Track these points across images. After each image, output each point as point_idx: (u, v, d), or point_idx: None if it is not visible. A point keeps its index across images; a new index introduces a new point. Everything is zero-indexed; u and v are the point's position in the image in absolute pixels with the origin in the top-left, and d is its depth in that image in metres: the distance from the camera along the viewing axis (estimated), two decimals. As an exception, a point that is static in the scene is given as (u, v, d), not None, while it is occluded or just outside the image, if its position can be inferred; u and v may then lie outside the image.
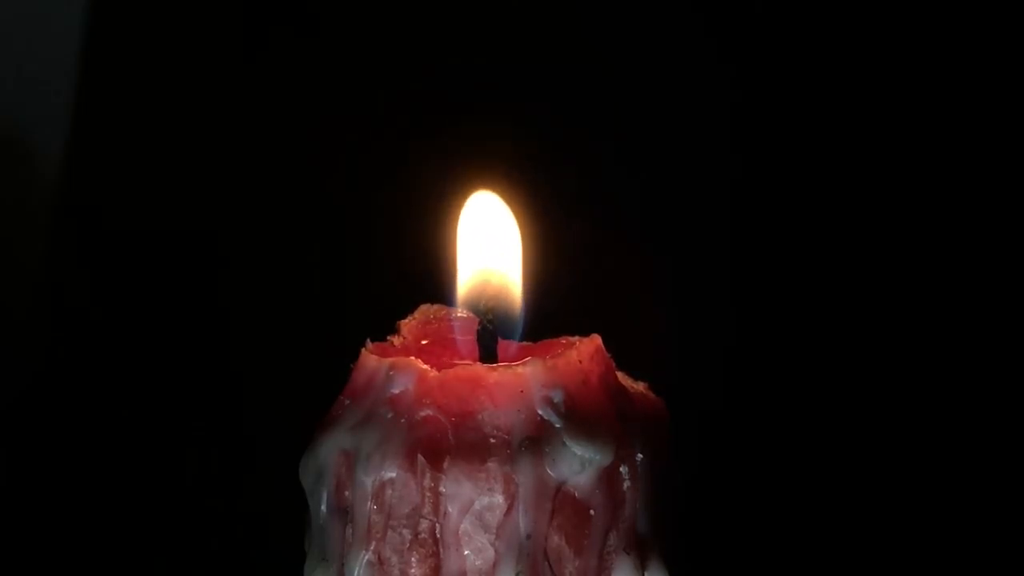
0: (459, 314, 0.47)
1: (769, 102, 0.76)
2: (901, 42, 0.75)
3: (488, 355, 0.45)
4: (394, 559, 0.42)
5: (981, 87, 0.75)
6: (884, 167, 0.75)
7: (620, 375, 0.44)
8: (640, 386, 0.45)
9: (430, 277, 0.50)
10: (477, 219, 0.48)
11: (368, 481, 0.42)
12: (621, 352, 0.44)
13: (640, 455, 0.43)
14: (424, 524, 0.42)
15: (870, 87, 0.75)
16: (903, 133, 0.75)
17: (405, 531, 0.42)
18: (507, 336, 0.46)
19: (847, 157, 0.76)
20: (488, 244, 0.48)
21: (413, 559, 0.42)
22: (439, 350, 0.46)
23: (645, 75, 0.76)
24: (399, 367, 0.43)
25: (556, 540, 0.42)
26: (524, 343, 0.47)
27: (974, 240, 0.75)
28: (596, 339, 0.44)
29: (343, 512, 0.43)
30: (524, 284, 0.47)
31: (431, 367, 0.43)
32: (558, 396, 0.42)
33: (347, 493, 0.43)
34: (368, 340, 0.45)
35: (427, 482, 0.41)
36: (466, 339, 0.46)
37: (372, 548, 0.42)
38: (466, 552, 0.41)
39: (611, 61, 0.76)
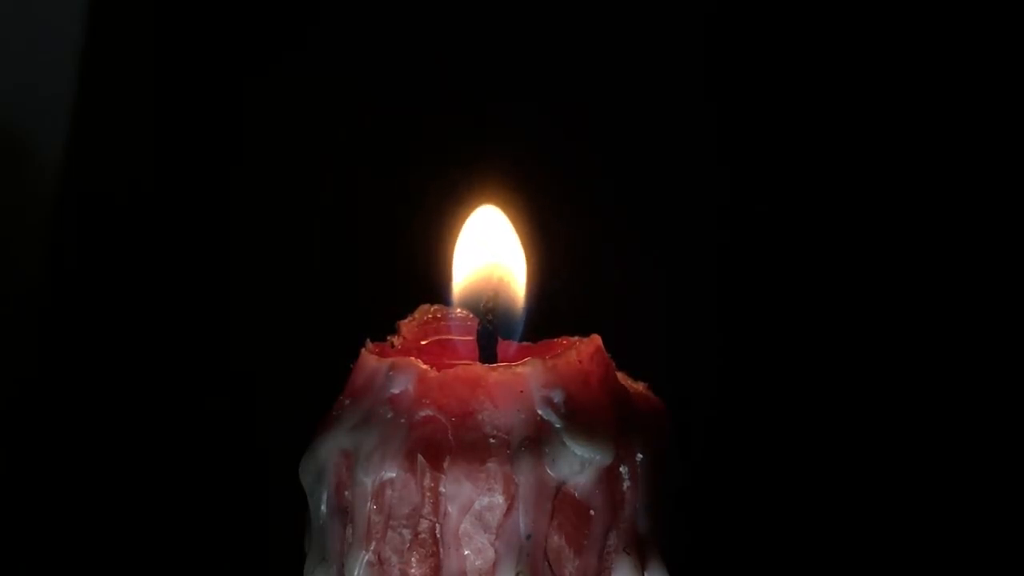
0: (459, 314, 0.47)
1: (765, 106, 0.76)
2: (889, 40, 0.75)
3: (488, 355, 0.45)
4: (394, 559, 0.42)
5: (972, 88, 0.75)
6: (880, 166, 0.75)
7: (620, 375, 0.44)
8: (640, 386, 0.45)
9: (430, 277, 0.50)
10: (479, 223, 0.48)
11: (368, 481, 0.42)
12: (621, 352, 0.44)
13: (640, 455, 0.43)
14: (424, 524, 0.42)
15: (861, 85, 0.75)
16: (895, 131, 0.75)
17: (405, 531, 0.42)
18: (507, 336, 0.46)
19: (843, 156, 0.76)
20: (489, 245, 0.48)
21: (413, 559, 0.42)
22: (439, 350, 0.46)
23: (646, 81, 0.76)
24: (399, 367, 0.43)
25: (556, 540, 0.42)
26: (524, 343, 0.47)
27: (966, 236, 0.75)
28: (596, 339, 0.44)
29: (343, 512, 0.43)
30: (524, 284, 0.47)
31: (431, 367, 0.43)
32: (558, 396, 0.42)
33: (347, 493, 0.43)
34: (368, 340, 0.45)
35: (427, 482, 0.41)
36: (466, 339, 0.46)
37: (372, 548, 0.42)
38: (466, 552, 0.41)
39: (611, 70, 0.76)
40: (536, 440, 0.41)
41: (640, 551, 0.42)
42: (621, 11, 0.76)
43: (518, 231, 0.48)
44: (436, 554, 0.42)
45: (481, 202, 0.48)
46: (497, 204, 0.48)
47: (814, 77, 0.76)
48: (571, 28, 0.76)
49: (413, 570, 0.42)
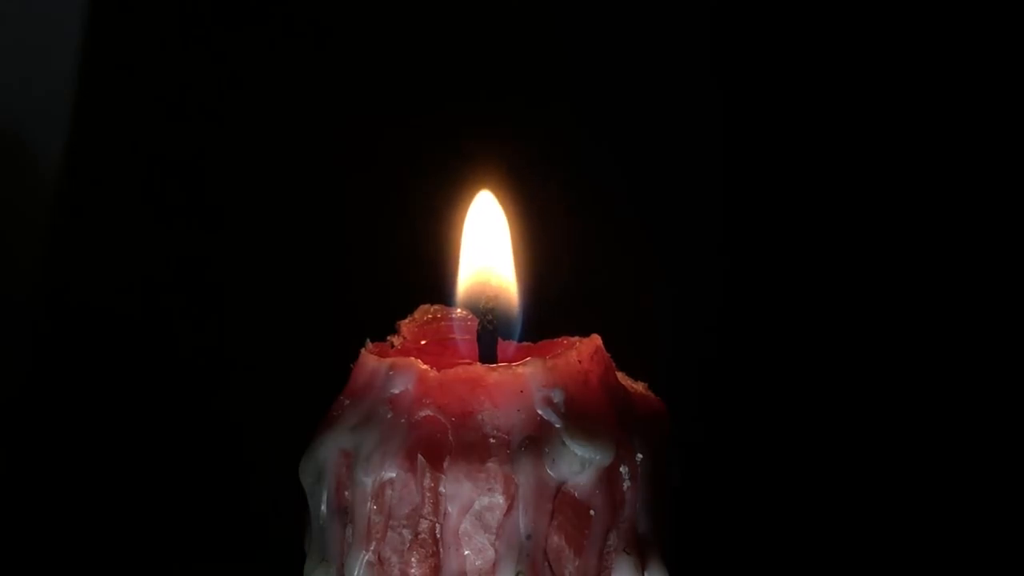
0: (459, 314, 0.47)
1: (772, 104, 0.76)
2: (891, 40, 0.75)
3: (488, 355, 0.45)
4: (394, 559, 0.42)
5: (975, 87, 0.75)
6: (881, 166, 0.75)
7: (620, 375, 0.44)
8: (640, 386, 0.45)
9: (430, 277, 0.50)
10: (478, 220, 0.48)
11: (368, 481, 0.42)
12: (621, 352, 0.44)
13: (640, 455, 0.43)
14: (424, 524, 0.42)
15: (863, 83, 0.75)
16: (896, 131, 0.75)
17: (405, 531, 0.42)
18: (507, 336, 0.46)
19: (844, 154, 0.76)
20: (489, 244, 0.48)
21: (413, 559, 0.42)
22: (439, 350, 0.46)
23: (649, 81, 0.76)
24: (399, 367, 0.43)
25: (556, 540, 0.42)
26: (524, 343, 0.47)
27: (968, 238, 0.75)
28: (596, 339, 0.44)
29: (343, 512, 0.43)
30: (524, 284, 0.47)
31: (431, 367, 0.43)
32: (558, 396, 0.42)
33: (347, 493, 0.43)
34: (368, 340, 0.45)
35: (427, 482, 0.41)
36: (466, 339, 0.46)
37: (372, 548, 0.42)
38: (466, 552, 0.41)
39: (614, 65, 0.76)
40: (536, 440, 0.41)
41: (640, 551, 0.42)
42: (625, 5, 0.76)
43: (517, 231, 0.48)
44: (436, 554, 0.42)
45: (480, 198, 0.48)
46: (496, 204, 0.48)
47: (821, 78, 0.75)
48: (579, 24, 0.76)
49: (413, 570, 0.42)
